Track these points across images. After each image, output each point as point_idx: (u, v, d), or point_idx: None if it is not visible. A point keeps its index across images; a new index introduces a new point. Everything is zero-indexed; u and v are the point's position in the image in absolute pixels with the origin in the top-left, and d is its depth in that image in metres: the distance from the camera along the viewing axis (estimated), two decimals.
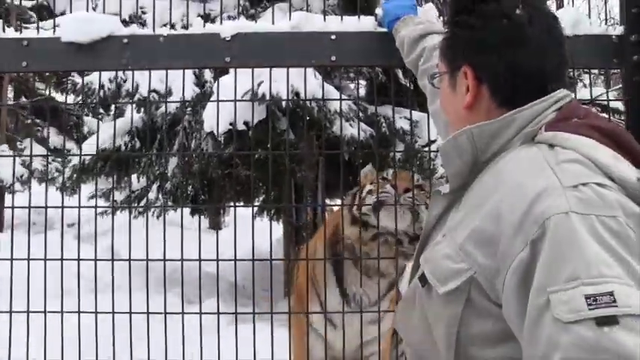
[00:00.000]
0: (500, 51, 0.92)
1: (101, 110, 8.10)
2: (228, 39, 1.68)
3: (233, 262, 1.94)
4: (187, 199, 5.34)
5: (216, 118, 2.23)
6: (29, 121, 8.57)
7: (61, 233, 2.09)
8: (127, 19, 4.79)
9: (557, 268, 0.74)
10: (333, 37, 1.69)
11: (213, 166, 4.50)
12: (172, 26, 4.59)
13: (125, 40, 1.69)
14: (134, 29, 1.74)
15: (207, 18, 4.65)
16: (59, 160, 7.92)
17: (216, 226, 7.77)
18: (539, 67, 0.92)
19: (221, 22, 1.86)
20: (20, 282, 1.87)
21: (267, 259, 2.11)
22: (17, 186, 7.52)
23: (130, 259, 1.91)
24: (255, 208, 5.72)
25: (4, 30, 1.72)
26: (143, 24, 4.76)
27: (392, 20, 1.65)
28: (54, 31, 1.73)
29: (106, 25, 1.69)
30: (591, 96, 1.93)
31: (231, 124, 2.25)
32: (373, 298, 2.22)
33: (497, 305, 0.83)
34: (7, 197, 8.16)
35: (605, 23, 2.07)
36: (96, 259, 1.94)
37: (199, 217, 4.63)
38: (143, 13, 4.70)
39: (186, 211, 6.01)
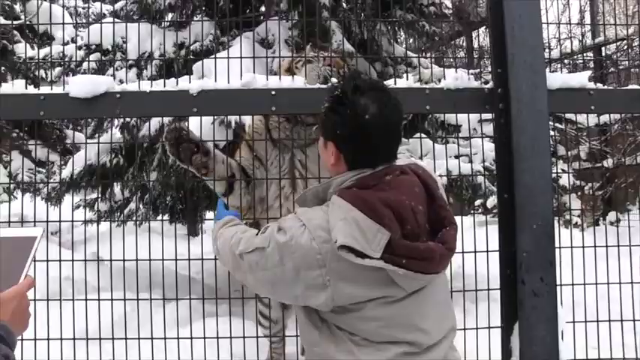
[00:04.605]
0: (350, 142, 1.47)
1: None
2: (195, 95, 2.26)
3: (206, 263, 2.52)
4: (166, 209, 5.84)
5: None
6: (14, 134, 9.01)
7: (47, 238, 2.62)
8: (110, 48, 5.34)
9: None
10: (273, 92, 2.28)
11: (189, 179, 5.02)
12: (150, 55, 5.10)
13: (118, 95, 2.26)
14: (124, 86, 2.30)
15: (181, 46, 5.23)
16: (44, 172, 8.37)
17: (193, 232, 8.30)
18: (373, 152, 1.47)
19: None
20: None
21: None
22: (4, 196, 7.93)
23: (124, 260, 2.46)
24: None
25: (26, 87, 2.28)
26: (124, 52, 5.30)
27: None
28: (63, 88, 2.29)
29: (103, 84, 2.26)
30: (470, 134, 2.55)
31: None
32: None
33: None
34: None
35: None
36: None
37: (175, 226, 5.17)
38: (124, 42, 5.21)
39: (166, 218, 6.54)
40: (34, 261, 2.33)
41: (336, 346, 1.42)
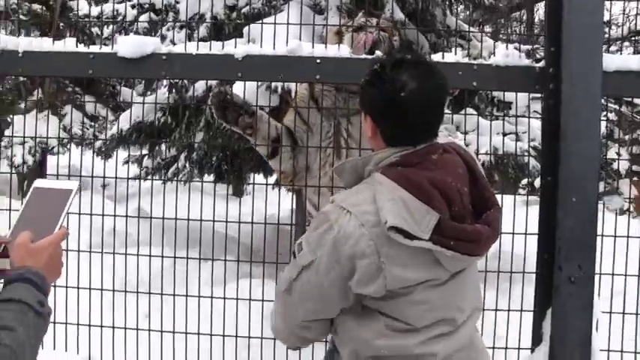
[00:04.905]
0: (387, 117, 1.43)
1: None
2: (240, 59, 2.26)
3: (244, 224, 2.56)
4: (211, 169, 5.94)
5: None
6: (69, 89, 9.30)
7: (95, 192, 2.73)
8: (162, 7, 5.40)
9: None
10: (318, 60, 2.26)
11: (234, 141, 5.07)
12: (201, 17, 5.11)
13: (164, 57, 2.28)
14: (171, 48, 2.33)
15: (232, 9, 5.22)
16: (96, 126, 8.63)
17: (238, 193, 8.38)
18: (411, 128, 1.42)
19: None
20: None
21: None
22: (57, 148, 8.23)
23: (163, 218, 2.53)
24: (272, 180, 6.29)
25: (77, 45, 2.33)
26: (176, 13, 5.36)
27: None
28: (112, 47, 2.33)
29: (150, 45, 2.29)
30: (516, 113, 2.47)
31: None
32: None
33: None
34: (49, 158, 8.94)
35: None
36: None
37: (214, 185, 5.28)
38: (177, 2, 5.25)
39: (212, 178, 6.66)
40: (79, 213, 2.45)
41: (368, 329, 1.41)
